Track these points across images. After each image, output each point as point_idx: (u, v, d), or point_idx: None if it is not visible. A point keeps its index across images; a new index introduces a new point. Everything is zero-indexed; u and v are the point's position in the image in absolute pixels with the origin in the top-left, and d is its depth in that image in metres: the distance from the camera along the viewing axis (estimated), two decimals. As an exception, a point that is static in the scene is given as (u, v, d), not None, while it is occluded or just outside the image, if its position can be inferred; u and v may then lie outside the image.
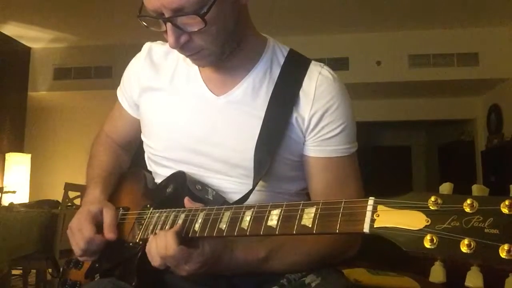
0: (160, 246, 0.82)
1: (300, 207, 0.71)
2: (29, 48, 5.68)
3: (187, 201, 0.89)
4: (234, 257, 0.88)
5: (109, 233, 0.99)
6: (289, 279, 0.93)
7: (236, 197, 0.96)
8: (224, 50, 0.94)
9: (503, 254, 0.48)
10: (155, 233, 0.85)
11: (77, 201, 3.43)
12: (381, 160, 7.67)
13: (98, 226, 1.00)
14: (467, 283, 0.52)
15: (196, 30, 0.87)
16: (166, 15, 0.85)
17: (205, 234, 0.80)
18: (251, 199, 0.94)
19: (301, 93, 0.98)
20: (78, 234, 0.99)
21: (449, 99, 5.99)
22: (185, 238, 0.82)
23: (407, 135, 8.61)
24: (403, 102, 6.11)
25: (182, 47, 0.91)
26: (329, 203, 0.68)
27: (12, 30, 5.18)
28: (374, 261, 2.09)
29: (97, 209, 1.02)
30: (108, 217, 1.01)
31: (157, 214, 0.94)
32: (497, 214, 0.50)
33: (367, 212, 0.61)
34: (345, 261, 1.00)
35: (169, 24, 0.87)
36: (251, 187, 0.95)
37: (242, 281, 0.95)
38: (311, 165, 1.00)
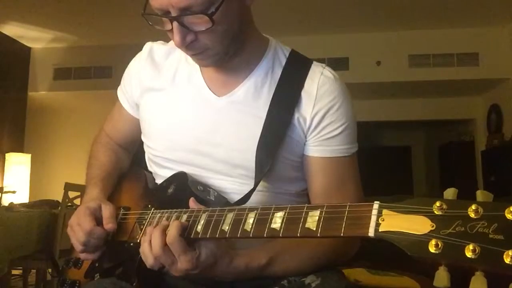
0: (157, 241, 0.82)
1: (304, 210, 0.71)
2: (29, 48, 5.68)
3: (191, 202, 0.89)
4: (234, 265, 0.87)
5: (108, 224, 0.98)
6: (289, 279, 0.93)
7: (237, 197, 0.96)
8: (228, 50, 0.94)
9: (507, 260, 0.48)
10: (145, 233, 0.86)
11: (77, 201, 3.43)
12: (381, 160, 7.66)
13: (98, 221, 1.00)
14: (471, 289, 0.52)
15: (203, 29, 0.87)
16: (173, 14, 0.85)
17: (208, 236, 0.80)
18: (252, 200, 0.94)
19: (303, 93, 0.98)
20: (78, 228, 0.98)
21: (449, 99, 5.99)
22: (187, 239, 0.82)
23: (407, 135, 8.62)
24: (403, 102, 6.11)
25: (188, 46, 0.90)
26: (334, 206, 0.68)
27: (12, 30, 5.18)
28: (374, 261, 2.09)
29: (95, 205, 1.01)
30: (107, 211, 1.00)
31: (158, 215, 0.94)
32: (501, 220, 0.50)
33: (372, 216, 0.61)
34: (345, 261, 1.00)
35: (175, 23, 0.86)
36: (252, 188, 0.95)
37: (242, 282, 0.95)
38: (311, 164, 1.00)
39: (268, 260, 0.89)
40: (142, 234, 0.95)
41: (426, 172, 8.74)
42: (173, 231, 0.81)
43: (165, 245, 0.81)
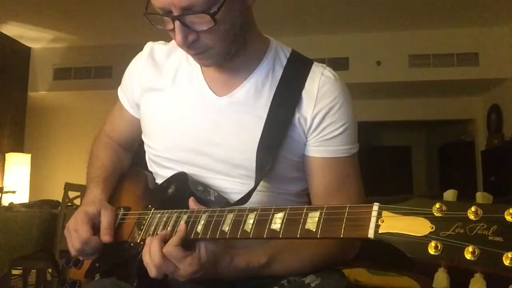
0: (155, 250, 0.82)
1: (304, 211, 0.71)
2: (29, 48, 5.68)
3: (191, 202, 0.89)
4: (234, 264, 0.87)
5: (105, 236, 0.98)
6: (289, 279, 0.93)
7: (237, 197, 0.96)
8: (230, 50, 0.95)
9: (506, 262, 0.48)
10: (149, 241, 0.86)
11: (77, 201, 3.43)
12: (381, 160, 7.67)
13: (95, 228, 1.00)
14: (470, 290, 0.52)
15: (205, 29, 0.87)
16: (175, 13, 0.85)
17: (208, 236, 0.80)
18: (252, 200, 0.94)
19: (303, 93, 0.98)
20: (74, 234, 0.98)
21: (449, 99, 5.99)
22: (186, 240, 0.83)
23: (407, 135, 8.62)
24: (403, 102, 6.11)
25: (189, 46, 0.91)
26: (333, 207, 0.68)
27: (12, 30, 5.18)
28: (374, 261, 2.09)
29: (95, 210, 1.01)
30: (105, 219, 1.00)
31: (158, 215, 0.94)
32: (501, 222, 0.50)
33: (371, 217, 0.61)
34: (345, 261, 1.00)
35: (177, 23, 0.86)
36: (252, 188, 0.95)
37: (242, 282, 0.95)
38: (312, 165, 1.00)
39: (268, 259, 0.90)
40: (141, 237, 0.95)
41: (426, 172, 8.74)
42: (170, 241, 0.82)
43: (164, 254, 0.82)
